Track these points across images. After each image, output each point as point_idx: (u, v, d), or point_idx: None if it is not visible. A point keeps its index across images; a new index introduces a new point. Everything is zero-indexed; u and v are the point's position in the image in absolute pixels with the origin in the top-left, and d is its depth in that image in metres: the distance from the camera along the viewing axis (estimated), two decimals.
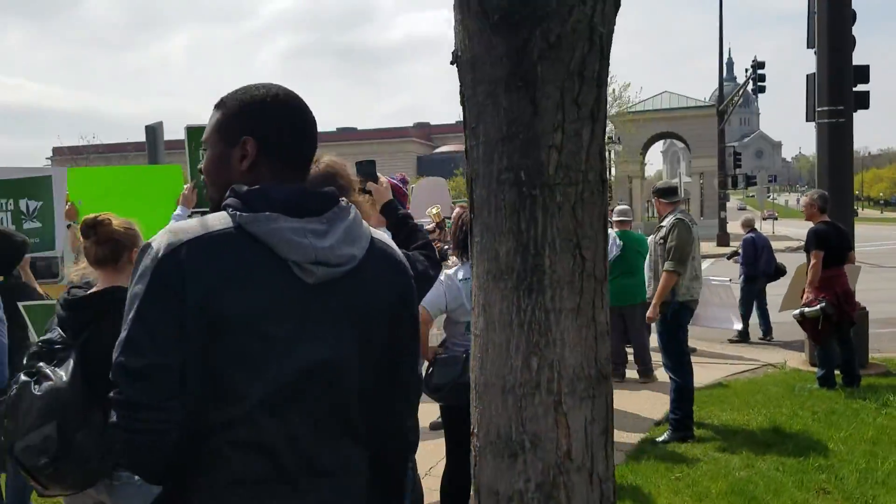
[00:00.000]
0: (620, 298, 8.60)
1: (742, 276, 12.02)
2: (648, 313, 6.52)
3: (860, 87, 9.16)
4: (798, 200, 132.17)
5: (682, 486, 5.09)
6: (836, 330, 7.69)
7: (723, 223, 35.45)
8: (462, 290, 3.95)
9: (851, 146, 8.87)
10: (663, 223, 6.59)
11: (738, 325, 10.28)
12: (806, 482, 5.01)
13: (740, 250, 12.04)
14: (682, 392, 6.37)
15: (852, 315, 7.75)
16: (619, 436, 6.57)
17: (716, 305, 10.44)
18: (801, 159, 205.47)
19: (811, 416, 6.61)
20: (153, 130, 13.04)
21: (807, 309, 7.52)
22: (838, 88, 8.61)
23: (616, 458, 5.93)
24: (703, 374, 8.80)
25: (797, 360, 9.12)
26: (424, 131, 74.31)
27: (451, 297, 3.97)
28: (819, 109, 8.75)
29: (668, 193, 6.74)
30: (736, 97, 35.61)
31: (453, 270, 4.07)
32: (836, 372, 7.77)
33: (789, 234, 41.49)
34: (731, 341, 11.23)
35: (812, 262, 7.59)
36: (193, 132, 5.29)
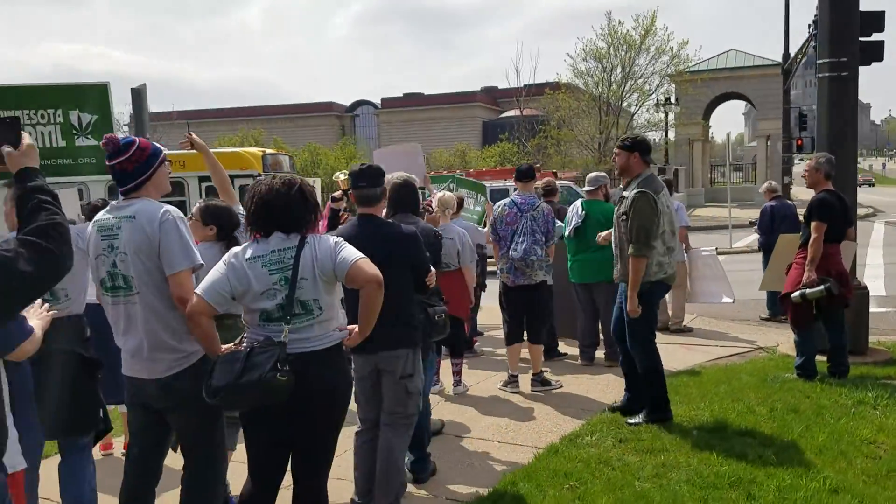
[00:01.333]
0: (583, 275, 7.83)
1: (759, 247, 11.36)
2: (628, 308, 5.69)
3: (874, 37, 8.05)
4: (884, 165, 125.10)
5: (569, 499, 4.40)
6: (829, 314, 6.79)
7: (786, 189, 33.56)
8: (250, 272, 3.32)
9: (855, 105, 7.78)
10: (626, 193, 5.78)
11: (730, 300, 9.41)
12: (710, 501, 4.25)
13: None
14: (653, 373, 5.81)
15: (847, 297, 6.81)
16: (553, 426, 5.92)
17: (708, 278, 9.58)
18: (892, 122, 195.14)
19: (767, 413, 5.78)
20: (138, 94, 12.73)
21: (808, 290, 6.62)
22: (839, 38, 7.53)
23: (522, 454, 5.29)
24: (683, 357, 8.04)
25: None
26: (492, 96, 72.59)
27: (237, 280, 3.33)
28: (819, 62, 7.69)
29: (646, 149, 5.87)
30: (800, 55, 33.43)
31: (241, 248, 3.43)
32: (824, 359, 6.90)
33: (871, 202, 39.00)
34: (763, 319, 10.39)
35: (813, 235, 6.66)
36: None
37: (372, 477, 4.30)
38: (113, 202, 3.62)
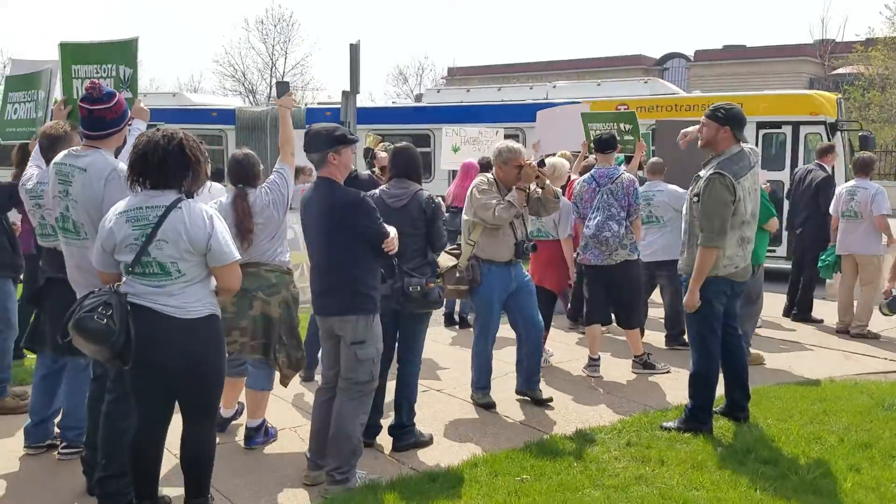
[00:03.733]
0: None
1: None
2: (686, 300, 5.22)
3: None
4: None
5: (504, 492, 4.21)
6: None
7: None
8: (114, 225, 3.46)
9: None
10: (702, 172, 5.22)
11: None
12: None
13: None
14: (701, 378, 5.28)
15: None
16: (592, 416, 5.63)
17: None
18: None
19: (835, 443, 4.93)
20: (355, 49, 13.65)
21: (886, 303, 5.55)
22: None
23: (523, 439, 5.04)
24: (829, 366, 7.17)
25: None
26: (824, 48, 64.85)
27: (105, 236, 3.50)
28: None
29: (740, 124, 5.08)
30: None
31: (120, 202, 3.56)
32: None
33: None
34: None
35: None
36: (70, 49, 5.14)
37: (323, 436, 4.44)
38: (72, 149, 4.06)
